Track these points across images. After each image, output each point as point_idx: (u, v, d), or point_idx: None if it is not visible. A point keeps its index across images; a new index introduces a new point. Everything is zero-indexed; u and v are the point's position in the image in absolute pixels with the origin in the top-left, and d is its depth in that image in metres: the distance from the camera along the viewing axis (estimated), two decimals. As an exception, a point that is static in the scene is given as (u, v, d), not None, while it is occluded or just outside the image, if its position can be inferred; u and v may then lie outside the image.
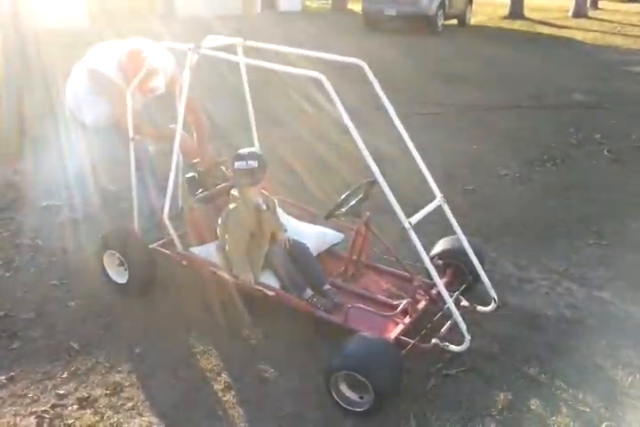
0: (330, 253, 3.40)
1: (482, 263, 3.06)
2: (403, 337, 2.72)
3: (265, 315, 3.13)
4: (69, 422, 2.52)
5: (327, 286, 3.03)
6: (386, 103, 2.91)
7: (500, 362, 2.85)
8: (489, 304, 3.03)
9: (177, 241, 3.22)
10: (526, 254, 3.85)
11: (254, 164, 2.98)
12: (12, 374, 2.80)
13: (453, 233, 3.06)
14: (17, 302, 3.35)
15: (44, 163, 5.00)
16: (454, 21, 16.93)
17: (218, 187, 3.50)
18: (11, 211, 4.45)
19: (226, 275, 3.08)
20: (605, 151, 5.86)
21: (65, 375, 2.79)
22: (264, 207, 3.09)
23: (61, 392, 2.68)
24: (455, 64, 10.59)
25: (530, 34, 15.71)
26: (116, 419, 2.54)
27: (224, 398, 2.64)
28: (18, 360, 2.89)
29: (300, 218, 3.61)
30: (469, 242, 3.03)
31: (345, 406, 2.52)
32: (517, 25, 17.41)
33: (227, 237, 3.05)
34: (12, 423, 2.52)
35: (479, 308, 3.03)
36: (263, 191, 3.18)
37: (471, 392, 2.67)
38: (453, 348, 2.70)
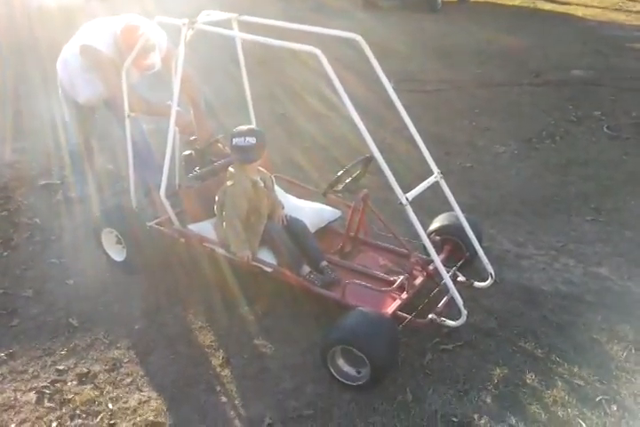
0: (327, 229, 3.40)
1: (479, 239, 3.06)
2: (399, 312, 2.73)
3: (263, 291, 3.15)
4: (69, 397, 2.56)
5: (324, 263, 3.04)
6: (383, 78, 2.88)
7: (496, 337, 2.87)
8: (486, 280, 3.04)
9: (174, 218, 3.22)
10: (524, 231, 3.85)
11: (252, 140, 2.96)
12: (12, 350, 2.82)
13: (451, 209, 3.06)
14: (16, 280, 3.36)
15: (41, 142, 4.97)
16: (454, -2, 16.66)
17: (215, 164, 3.48)
18: (8, 190, 4.44)
19: (223, 252, 3.09)
20: (605, 128, 5.81)
21: (64, 352, 2.82)
22: (261, 184, 3.08)
23: (61, 368, 2.71)
24: (454, 41, 10.45)
25: (530, 10, 15.45)
26: (115, 394, 2.57)
27: (222, 373, 2.67)
28: (17, 337, 2.92)
29: (297, 195, 3.60)
30: (467, 218, 3.02)
31: (342, 380, 2.55)
32: (518, 1, 17.15)
33: (224, 213, 3.05)
34: (12, 399, 2.55)
35: (476, 283, 3.04)
36: (261, 169, 3.16)
37: (467, 367, 2.69)
38: (450, 323, 2.71)
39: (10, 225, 3.95)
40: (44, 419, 2.44)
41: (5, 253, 3.64)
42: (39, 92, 5.72)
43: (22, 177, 4.62)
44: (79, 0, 11.86)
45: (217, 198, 3.13)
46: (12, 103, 5.91)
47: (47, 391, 2.59)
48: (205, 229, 3.21)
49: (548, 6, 16.05)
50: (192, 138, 3.67)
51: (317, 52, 2.52)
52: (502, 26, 12.46)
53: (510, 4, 16.63)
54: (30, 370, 2.71)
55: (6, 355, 2.80)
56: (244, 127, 3.05)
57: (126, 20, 3.53)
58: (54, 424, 2.42)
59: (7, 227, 3.93)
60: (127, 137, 3.40)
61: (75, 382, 2.63)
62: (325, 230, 3.38)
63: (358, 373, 2.52)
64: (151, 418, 2.44)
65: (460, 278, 3.01)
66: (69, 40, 3.70)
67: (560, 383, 2.59)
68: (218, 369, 2.70)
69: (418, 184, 2.73)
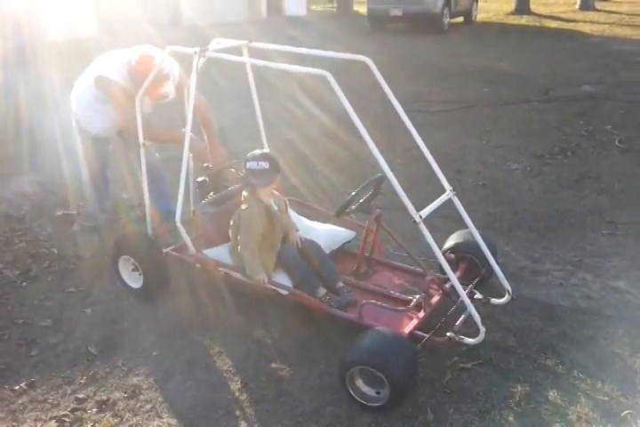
0: (342, 251, 3.40)
1: (494, 256, 3.05)
2: (417, 331, 2.72)
3: (278, 314, 3.15)
4: (89, 425, 2.55)
5: (340, 284, 3.04)
6: (392, 99, 2.92)
7: (515, 354, 2.84)
8: (503, 297, 3.02)
9: (190, 244, 3.25)
10: (539, 246, 3.82)
11: (266, 165, 3.00)
12: (32, 380, 2.84)
13: (465, 227, 3.05)
14: (35, 310, 3.39)
15: (57, 173, 5.06)
16: (460, 19, 16.89)
17: (229, 189, 3.52)
18: (26, 221, 4.51)
19: (239, 276, 3.10)
20: (616, 142, 5.81)
21: (84, 380, 2.82)
22: (275, 208, 3.11)
23: (81, 396, 2.72)
24: (462, 61, 10.57)
25: (537, 28, 15.62)
26: (134, 421, 2.57)
27: (241, 398, 2.66)
28: (37, 367, 2.93)
29: (311, 217, 3.63)
30: (481, 235, 3.02)
31: (362, 401, 2.52)
32: (524, 20, 17.32)
33: (239, 238, 3.07)
34: (33, 428, 2.55)
35: (493, 300, 3.02)
36: (274, 192, 3.19)
37: (488, 385, 2.65)
38: (468, 340, 2.69)
39: (28, 256, 4.01)
40: (65, 448, 2.44)
41: (24, 284, 3.68)
42: (54, 125, 5.85)
43: (40, 208, 4.70)
44: (90, 34, 12.20)
45: (231, 222, 3.17)
46: (27, 136, 6.04)
47: (67, 420, 2.59)
48: (221, 253, 3.23)
49: (555, 24, 16.21)
50: (205, 164, 3.73)
51: (327, 74, 2.57)
52: (509, 45, 12.60)
53: (516, 23, 16.83)
54: (50, 399, 2.72)
55: (26, 385, 2.81)
56: (257, 152, 3.10)
57: (140, 50, 3.62)
58: (75, 453, 2.41)
59: (26, 257, 3.98)
60: (142, 165, 3.45)
61: (95, 410, 2.64)
62: (340, 252, 3.39)
63: (377, 393, 2.50)
64: (171, 444, 2.44)
65: (477, 296, 2.99)
66: (82, 73, 3.80)
67: (583, 400, 2.55)
68: (236, 393, 2.69)
69: (430, 203, 2.74)
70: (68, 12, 12.68)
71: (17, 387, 2.79)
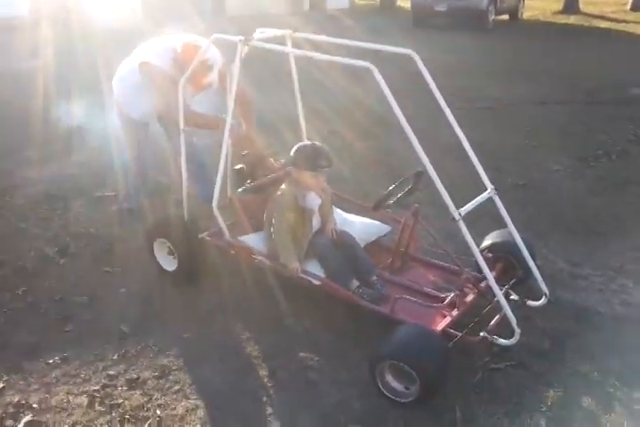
0: (377, 244, 3.38)
1: (533, 257, 2.99)
2: (450, 329, 2.68)
3: (310, 304, 3.14)
4: (119, 401, 2.59)
5: (374, 277, 3.02)
6: (436, 94, 2.87)
7: (550, 358, 2.78)
8: (539, 299, 2.96)
9: (225, 230, 3.26)
10: (579, 250, 3.73)
11: (325, 148, 3.04)
12: (66, 354, 2.89)
13: (503, 226, 3.00)
14: (72, 287, 3.46)
15: (98, 156, 5.15)
16: (506, 17, 16.59)
17: (266, 178, 3.52)
18: (67, 201, 4.60)
19: (272, 263, 3.11)
20: (665, 147, 5.63)
21: (115, 357, 2.87)
22: (316, 201, 3.11)
23: (112, 373, 2.76)
24: (507, 59, 10.38)
25: (585, 28, 15.25)
26: (163, 401, 2.60)
27: (269, 385, 2.67)
28: (71, 342, 2.99)
29: (347, 210, 3.61)
30: (520, 236, 2.95)
31: (390, 396, 2.50)
32: (572, 19, 16.93)
33: (273, 225, 3.07)
34: (65, 401, 2.60)
35: (529, 302, 2.96)
36: (324, 184, 3.16)
37: (520, 387, 2.61)
38: (502, 341, 2.64)
39: (67, 234, 4.09)
40: (95, 422, 2.48)
41: (62, 261, 3.76)
42: (97, 109, 5.95)
43: (80, 189, 4.79)
44: (135, 23, 12.38)
45: (267, 210, 3.17)
46: (71, 120, 6.16)
47: (98, 395, 2.63)
48: (255, 240, 3.24)
49: (604, 24, 15.79)
50: (244, 153, 3.73)
51: (372, 67, 2.54)
52: (555, 44, 12.32)
53: (564, 22, 16.45)
54: (82, 374, 2.77)
55: (60, 359, 2.87)
56: (308, 142, 3.11)
57: (185, 39, 3.64)
58: (104, 428, 2.46)
59: (65, 236, 4.07)
60: (182, 151, 3.47)
61: (125, 388, 2.68)
62: (375, 245, 3.36)
63: (407, 389, 2.47)
64: (198, 426, 2.45)
65: (513, 297, 2.94)
66: (126, 58, 3.84)
67: (618, 408, 2.48)
68: (264, 380, 2.69)
69: (468, 201, 2.70)
70: (115, 2, 12.89)
71: (51, 360, 2.85)
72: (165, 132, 4.05)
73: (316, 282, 2.97)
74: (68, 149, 5.59)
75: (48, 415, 2.53)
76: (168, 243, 3.40)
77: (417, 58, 2.84)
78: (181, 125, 3.41)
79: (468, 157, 2.89)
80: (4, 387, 2.68)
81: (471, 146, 2.89)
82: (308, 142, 3.14)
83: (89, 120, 6.07)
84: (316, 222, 3.18)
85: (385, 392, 2.51)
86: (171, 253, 3.43)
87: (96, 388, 2.67)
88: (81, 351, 2.92)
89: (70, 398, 2.63)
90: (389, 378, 2.50)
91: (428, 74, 2.86)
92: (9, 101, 6.92)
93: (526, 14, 17.71)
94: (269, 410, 2.53)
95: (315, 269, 3.04)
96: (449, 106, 2.87)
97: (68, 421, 2.49)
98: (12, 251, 3.85)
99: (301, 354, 2.85)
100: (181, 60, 3.57)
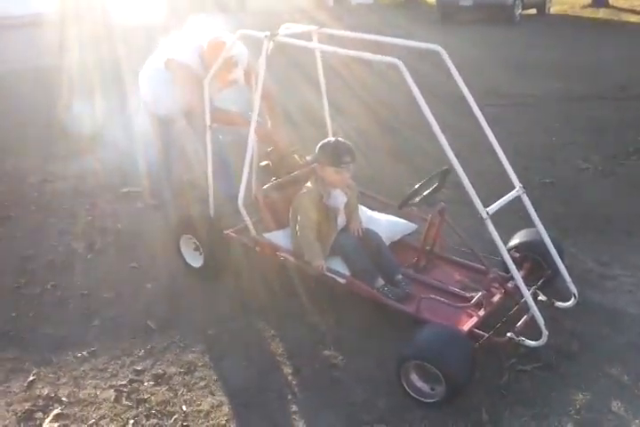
0: (402, 243, 3.36)
1: (561, 257, 2.94)
2: (476, 330, 2.65)
3: (335, 302, 3.14)
4: (145, 396, 2.62)
5: (399, 276, 3.00)
6: (464, 90, 2.84)
7: (578, 360, 2.73)
8: (568, 300, 2.91)
9: (251, 227, 3.27)
10: (608, 250, 3.66)
11: (349, 147, 3.02)
12: (93, 349, 2.93)
13: (530, 226, 2.95)
14: (98, 282, 3.50)
15: (125, 152, 5.20)
16: (533, 11, 16.33)
17: (291, 175, 3.52)
18: (94, 197, 4.66)
19: (297, 261, 3.11)
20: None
21: (142, 353, 2.90)
22: (342, 199, 3.10)
23: (138, 368, 2.79)
24: (534, 54, 10.22)
25: (615, 22, 14.92)
26: (189, 396, 2.62)
27: (293, 382, 2.67)
28: (98, 336, 3.04)
29: (373, 208, 3.59)
30: (548, 236, 2.91)
31: (415, 396, 2.49)
32: (601, 13, 16.57)
33: (298, 222, 3.07)
34: (92, 395, 2.64)
35: (558, 303, 2.91)
36: (349, 181, 3.15)
37: (547, 390, 2.57)
38: (530, 343, 2.61)
39: (94, 230, 4.14)
40: (122, 416, 2.51)
41: (89, 256, 3.81)
42: (122, 105, 6.01)
43: (106, 185, 4.85)
44: (159, 20, 12.46)
45: (292, 207, 3.17)
46: (97, 116, 6.23)
47: (125, 390, 2.66)
48: (280, 238, 3.24)
49: (635, 18, 15.44)
50: (269, 150, 3.73)
51: (398, 62, 2.51)
52: (584, 38, 12.08)
53: (592, 16, 16.13)
54: (110, 369, 2.81)
55: (88, 353, 2.91)
56: (332, 138, 3.11)
57: (211, 34, 3.65)
58: (131, 422, 2.48)
59: (92, 231, 4.12)
60: (207, 148, 3.49)
61: (151, 383, 2.70)
62: (400, 243, 3.34)
63: (432, 389, 2.45)
64: (223, 422, 2.46)
65: (541, 297, 2.89)
66: (152, 54, 3.86)
67: (650, 413, 2.43)
68: (289, 378, 2.70)
69: (494, 199, 2.66)
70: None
71: (79, 354, 2.89)
72: (191, 129, 4.07)
73: (341, 280, 2.97)
74: (95, 145, 5.66)
75: (76, 409, 2.57)
76: (194, 239, 3.42)
77: (444, 53, 2.81)
78: (207, 122, 3.42)
79: (495, 155, 2.86)
80: (34, 380, 2.74)
81: (499, 143, 2.85)
82: (332, 139, 3.13)
83: (114, 117, 6.13)
84: (340, 220, 3.17)
85: (410, 392, 2.50)
86: (197, 249, 3.45)
87: (123, 382, 2.71)
88: (108, 346, 2.96)
89: (98, 392, 2.66)
90: (414, 378, 2.49)
91: (456, 70, 2.83)
92: (36, 98, 7.03)
93: (554, 8, 17.40)
94: (294, 408, 2.53)
95: (339, 267, 3.03)
96: (476, 102, 2.84)
97: (94, 415, 2.53)
98: (42, 245, 3.91)
99: (326, 352, 2.84)
100: (207, 57, 3.58)
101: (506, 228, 3.35)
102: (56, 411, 2.55)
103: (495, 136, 2.85)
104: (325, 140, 3.12)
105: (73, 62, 8.52)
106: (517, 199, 2.82)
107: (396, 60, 2.51)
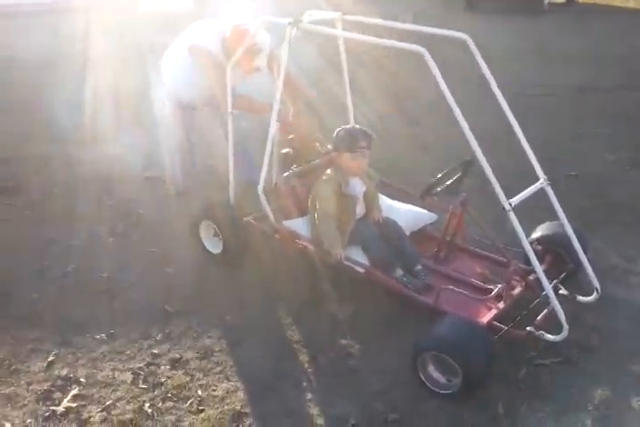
0: (423, 233, 3.33)
1: (585, 251, 2.88)
2: (495, 322, 2.62)
3: (353, 290, 3.13)
4: (162, 380, 2.65)
5: (419, 267, 2.97)
6: (490, 80, 2.78)
7: (599, 356, 2.69)
8: (590, 295, 2.86)
9: (270, 214, 3.26)
10: (634, 244, 3.58)
11: (366, 133, 2.99)
12: (112, 331, 2.97)
13: (554, 218, 2.90)
14: (119, 266, 3.53)
15: (146, 137, 5.21)
16: None
17: (312, 163, 3.50)
18: (115, 182, 4.69)
19: (316, 249, 3.09)
20: None
21: (159, 337, 2.93)
22: (360, 188, 3.08)
23: (156, 352, 2.82)
24: (564, 43, 9.98)
25: (648, 12, 14.51)
26: (205, 381, 2.63)
27: (309, 370, 2.67)
28: (117, 319, 3.07)
29: (393, 197, 3.55)
30: (572, 229, 2.85)
31: (431, 387, 2.47)
32: (632, 3, 16.12)
33: (317, 210, 3.05)
34: (110, 377, 2.68)
35: (579, 298, 2.86)
36: (367, 168, 3.12)
37: (565, 385, 2.53)
38: (550, 337, 2.57)
39: (115, 214, 4.17)
40: (138, 399, 2.54)
41: (111, 240, 3.84)
42: (145, 91, 6.01)
43: (128, 170, 4.87)
44: (184, 5, 12.43)
45: (311, 195, 3.15)
46: (118, 101, 6.24)
47: (142, 373, 2.69)
48: (300, 225, 3.23)
49: (668, 8, 14.99)
50: (290, 137, 3.71)
51: (424, 51, 2.47)
52: (614, 28, 11.77)
53: (623, 5, 15.70)
54: (128, 351, 2.84)
55: (107, 335, 2.94)
56: (349, 125, 3.09)
57: (235, 21, 3.62)
58: (147, 405, 2.51)
59: (113, 216, 4.15)
60: (229, 134, 3.48)
61: (168, 367, 2.73)
62: (420, 234, 3.31)
63: (449, 381, 2.43)
64: (238, 408, 2.48)
65: (562, 291, 2.84)
66: (175, 40, 3.84)
67: (671, 411, 2.38)
68: (305, 366, 2.70)
69: (517, 190, 2.61)
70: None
71: (98, 337, 2.93)
72: (213, 116, 4.06)
73: (360, 269, 2.95)
74: (117, 130, 5.67)
75: (94, 390, 2.60)
76: (214, 225, 3.43)
77: (470, 42, 2.75)
78: (229, 109, 3.40)
79: (520, 146, 2.80)
80: (53, 360, 2.78)
81: (524, 134, 2.79)
82: (349, 125, 3.10)
83: (136, 102, 6.14)
84: (359, 209, 3.15)
85: (426, 383, 2.48)
86: (216, 235, 3.46)
87: (140, 365, 2.73)
88: (127, 329, 2.99)
89: (116, 374, 2.70)
90: (431, 369, 2.47)
91: (482, 59, 2.77)
92: (59, 84, 7.07)
93: (584, -3, 16.98)
94: (309, 395, 2.53)
95: (359, 256, 3.01)
96: (502, 92, 2.78)
97: (112, 396, 2.56)
98: (64, 229, 3.95)
99: (342, 341, 2.84)
100: (230, 44, 3.56)
101: (529, 220, 3.30)
102: (74, 391, 2.59)
103: (521, 126, 2.80)
104: (342, 127, 3.09)
105: (98, 49, 8.55)
106: (542, 192, 2.76)
107: (421, 49, 2.47)
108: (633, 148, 5.18)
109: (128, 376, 2.68)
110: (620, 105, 6.46)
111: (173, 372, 2.70)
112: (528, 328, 2.57)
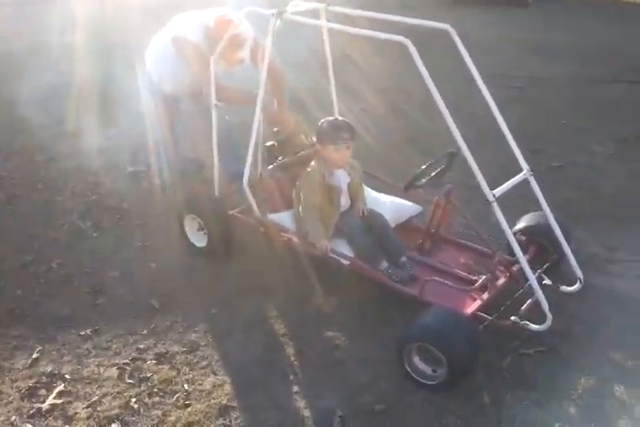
0: (408, 225, 3.33)
1: (568, 242, 2.90)
2: (480, 313, 2.64)
3: (339, 283, 3.13)
4: (148, 375, 2.64)
5: (404, 258, 2.98)
6: (473, 72, 2.78)
7: (582, 345, 2.72)
8: (573, 284, 2.88)
9: (255, 207, 3.25)
10: (617, 235, 3.62)
11: (347, 125, 3.00)
12: (97, 327, 2.95)
13: (538, 209, 2.92)
14: (104, 261, 3.51)
15: (129, 131, 5.16)
16: (548, -9, 15.98)
17: (297, 155, 3.49)
18: (99, 176, 4.64)
19: (301, 242, 3.09)
20: None
21: (145, 332, 2.91)
22: (344, 179, 3.07)
23: (141, 347, 2.81)
24: (547, 36, 10.01)
25: (634, 4, 14.59)
26: (191, 375, 2.63)
27: (296, 363, 2.68)
28: (102, 315, 3.05)
29: (378, 189, 3.56)
30: (556, 219, 2.87)
31: (417, 378, 2.49)
32: (618, -6, 16.20)
33: (301, 202, 3.05)
34: (95, 373, 2.66)
35: (563, 287, 2.89)
36: (351, 160, 3.12)
37: (549, 373, 2.56)
38: (533, 327, 2.59)
39: (100, 209, 4.14)
40: (124, 394, 2.53)
41: (95, 235, 3.81)
42: (128, 82, 5.95)
43: (112, 163, 4.82)
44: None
45: (296, 187, 3.14)
46: (102, 93, 6.17)
47: (128, 368, 2.68)
48: (285, 219, 3.23)
49: (652, -1, 15.06)
50: (275, 129, 3.70)
51: (407, 42, 2.46)
52: (601, 19, 11.83)
53: (610, -4, 15.74)
54: (113, 347, 2.82)
55: (91, 331, 2.92)
56: (330, 118, 3.07)
57: (218, 13, 3.59)
58: (133, 400, 2.50)
59: (97, 210, 4.12)
60: (213, 126, 3.45)
61: (154, 362, 2.72)
62: (405, 226, 3.31)
63: (434, 372, 2.45)
64: (224, 402, 2.48)
65: (546, 281, 2.87)
66: (159, 32, 3.80)
67: (652, 398, 2.42)
68: (292, 358, 2.70)
69: (502, 182, 2.62)
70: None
71: (83, 333, 2.91)
72: (197, 108, 4.03)
73: (345, 262, 2.95)
74: (101, 123, 5.61)
75: (79, 386, 2.59)
76: (198, 219, 3.41)
77: (454, 33, 2.75)
78: (213, 100, 3.38)
79: (504, 137, 2.81)
80: (38, 357, 2.76)
81: (508, 125, 2.80)
82: (331, 117, 3.10)
83: (121, 95, 6.08)
84: (344, 201, 3.14)
85: (412, 374, 2.50)
86: (201, 229, 3.44)
87: (126, 361, 2.72)
88: (112, 324, 2.97)
89: (101, 369, 2.68)
90: (417, 360, 2.48)
91: (465, 51, 2.77)
92: (44, 75, 6.97)
93: (570, -11, 17.03)
94: (296, 388, 2.54)
95: (344, 248, 3.01)
96: (486, 84, 2.78)
97: (98, 392, 2.55)
98: (47, 224, 3.92)
99: (328, 333, 2.85)
100: (213, 35, 3.53)
101: (513, 211, 3.32)
102: (59, 388, 2.57)
103: (505, 119, 2.80)
104: (324, 119, 3.08)
105: (83, 39, 8.45)
106: (525, 183, 2.78)
107: (404, 39, 2.46)
108: (617, 140, 5.22)
109: (114, 372, 2.66)
110: (605, 97, 6.50)
111: (159, 367, 2.69)
112: (512, 318, 2.59)
